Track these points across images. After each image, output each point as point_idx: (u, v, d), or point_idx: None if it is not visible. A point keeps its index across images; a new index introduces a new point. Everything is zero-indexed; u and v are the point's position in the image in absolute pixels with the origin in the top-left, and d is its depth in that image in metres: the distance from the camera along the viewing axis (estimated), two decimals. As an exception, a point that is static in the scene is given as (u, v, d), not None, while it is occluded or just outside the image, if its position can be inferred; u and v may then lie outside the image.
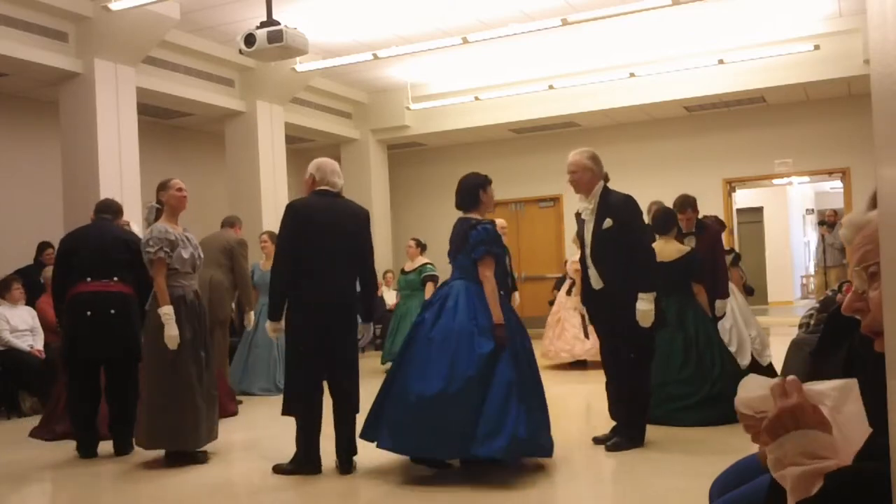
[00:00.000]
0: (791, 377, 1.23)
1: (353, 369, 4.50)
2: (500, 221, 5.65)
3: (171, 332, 4.51)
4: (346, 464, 4.34)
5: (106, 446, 5.04)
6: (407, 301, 8.74)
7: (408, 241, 9.21)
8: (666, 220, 5.57)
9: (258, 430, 5.50)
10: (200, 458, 4.69)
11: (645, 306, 4.50)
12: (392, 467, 4.37)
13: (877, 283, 1.21)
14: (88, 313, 4.90)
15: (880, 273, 1.17)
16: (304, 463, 4.34)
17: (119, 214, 5.39)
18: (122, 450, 4.98)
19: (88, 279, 4.95)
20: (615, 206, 4.62)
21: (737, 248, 12.61)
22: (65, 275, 5.06)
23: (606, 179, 4.79)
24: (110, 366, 5.04)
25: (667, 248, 5.42)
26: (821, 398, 1.20)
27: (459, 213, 4.58)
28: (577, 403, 6.59)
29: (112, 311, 4.92)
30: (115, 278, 4.98)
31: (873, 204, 1.56)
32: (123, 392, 5.02)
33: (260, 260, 7.81)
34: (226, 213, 9.89)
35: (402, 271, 9.10)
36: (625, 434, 4.67)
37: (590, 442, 4.82)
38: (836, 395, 1.20)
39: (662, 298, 4.86)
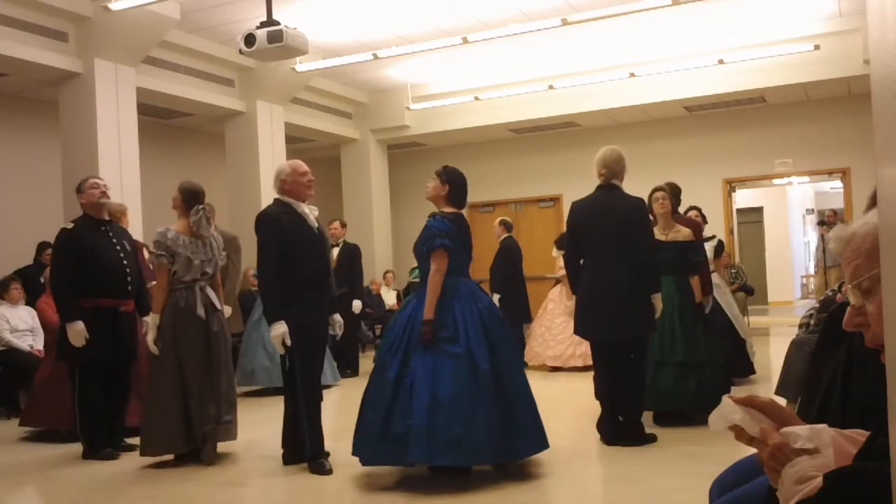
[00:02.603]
0: (763, 427, 1.32)
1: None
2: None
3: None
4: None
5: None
6: None
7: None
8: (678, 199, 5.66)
9: (258, 430, 5.50)
10: (205, 460, 4.69)
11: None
12: (387, 468, 4.37)
13: (872, 297, 1.20)
14: None
15: (874, 286, 1.17)
16: None
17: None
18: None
19: None
20: None
21: (737, 249, 12.67)
22: None
23: (606, 178, 4.82)
24: None
25: (683, 230, 5.48)
26: (795, 438, 1.27)
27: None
28: (576, 403, 6.58)
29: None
30: None
31: (873, 204, 1.55)
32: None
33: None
34: (226, 212, 9.91)
35: None
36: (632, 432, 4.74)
37: (589, 442, 4.83)
38: (809, 433, 1.27)
39: (677, 279, 5.16)
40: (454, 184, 4.32)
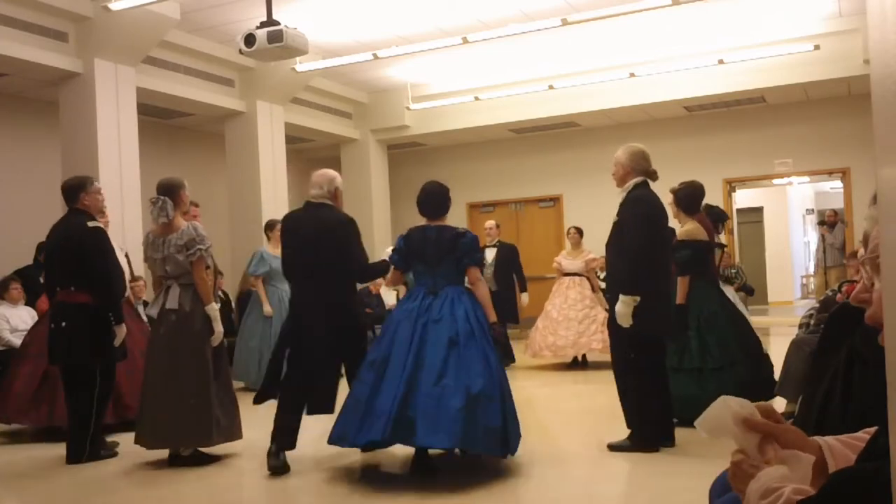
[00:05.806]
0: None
1: (329, 369, 4.51)
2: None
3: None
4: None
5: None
6: None
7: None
8: (693, 199, 5.51)
9: (258, 430, 5.49)
10: (204, 460, 4.70)
11: (622, 309, 4.41)
12: (392, 472, 4.37)
13: (879, 276, 1.23)
14: (52, 326, 4.92)
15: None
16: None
17: (73, 195, 5.04)
18: (72, 456, 4.85)
19: (58, 288, 4.96)
20: (624, 203, 4.60)
21: (737, 249, 12.66)
22: (47, 278, 5.14)
23: (650, 176, 4.64)
24: (66, 372, 4.96)
25: (700, 230, 5.39)
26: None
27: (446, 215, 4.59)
28: (579, 403, 6.58)
29: (63, 324, 4.84)
30: (73, 287, 4.88)
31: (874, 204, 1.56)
32: (73, 399, 4.91)
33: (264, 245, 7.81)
34: (226, 213, 9.91)
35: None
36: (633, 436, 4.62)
37: (592, 442, 4.82)
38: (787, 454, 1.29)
39: (701, 280, 5.17)
40: (417, 201, 4.58)
